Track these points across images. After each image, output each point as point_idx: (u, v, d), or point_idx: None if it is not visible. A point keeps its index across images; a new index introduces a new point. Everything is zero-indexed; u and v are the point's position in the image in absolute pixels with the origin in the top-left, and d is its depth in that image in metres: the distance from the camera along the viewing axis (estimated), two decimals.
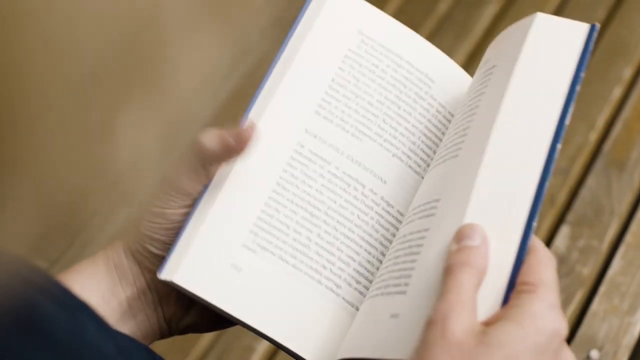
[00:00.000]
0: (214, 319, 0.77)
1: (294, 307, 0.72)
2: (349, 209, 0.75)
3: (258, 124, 0.74)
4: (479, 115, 0.71)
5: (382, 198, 0.75)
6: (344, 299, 0.73)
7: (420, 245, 0.67)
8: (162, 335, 0.77)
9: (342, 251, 0.74)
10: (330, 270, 0.73)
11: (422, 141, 0.77)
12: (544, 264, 0.63)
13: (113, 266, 0.75)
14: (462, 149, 0.70)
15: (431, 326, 0.59)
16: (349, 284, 0.73)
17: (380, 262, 0.74)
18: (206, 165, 0.73)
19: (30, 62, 0.31)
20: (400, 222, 0.75)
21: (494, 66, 0.73)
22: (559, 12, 1.60)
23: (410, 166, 0.77)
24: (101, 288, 0.74)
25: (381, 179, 0.76)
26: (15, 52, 0.31)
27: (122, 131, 0.35)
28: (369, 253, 0.74)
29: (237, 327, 1.34)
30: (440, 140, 0.78)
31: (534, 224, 0.65)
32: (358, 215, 0.75)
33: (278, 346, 0.72)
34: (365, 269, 0.74)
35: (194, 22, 0.34)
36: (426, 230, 0.68)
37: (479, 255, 0.63)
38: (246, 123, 0.72)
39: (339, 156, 0.76)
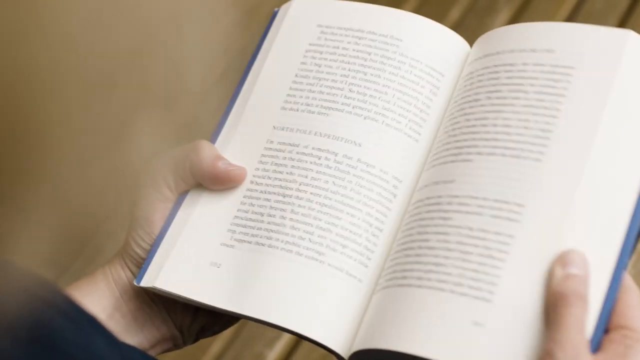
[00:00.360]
0: (223, 318, 0.77)
1: (279, 285, 0.72)
2: (322, 179, 0.75)
3: (230, 140, 0.77)
4: (567, 122, 0.68)
5: (358, 160, 0.75)
6: (329, 264, 0.72)
7: (505, 252, 0.65)
8: (177, 345, 0.77)
9: (320, 220, 0.73)
10: (309, 240, 0.73)
11: (398, 98, 0.77)
12: (638, 307, 0.63)
13: (112, 281, 0.75)
14: (545, 153, 0.68)
15: (545, 358, 0.59)
16: (334, 249, 0.73)
17: (369, 223, 0.73)
18: (191, 176, 0.74)
19: (48, 67, 0.31)
20: (385, 180, 0.74)
21: (571, 68, 0.71)
22: (570, 21, 1.60)
23: (387, 124, 0.76)
24: (102, 303, 0.74)
25: (354, 142, 0.76)
26: (33, 57, 0.31)
27: (138, 135, 0.35)
28: (352, 216, 0.73)
29: (247, 335, 1.34)
30: (421, 94, 0.77)
31: (628, 259, 0.64)
32: (333, 182, 0.74)
33: (280, 329, 0.72)
34: (350, 231, 0.73)
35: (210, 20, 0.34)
36: (510, 236, 0.65)
37: (585, 286, 0.62)
38: (238, 168, 0.75)
39: (306, 136, 0.77)
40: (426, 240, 0.69)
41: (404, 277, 0.68)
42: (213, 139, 0.78)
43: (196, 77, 0.36)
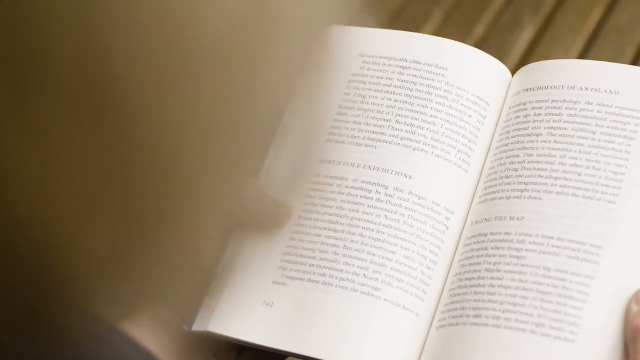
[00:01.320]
0: (268, 357, 0.77)
1: (335, 322, 0.71)
2: (374, 213, 0.74)
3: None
4: (638, 165, 0.70)
5: (410, 193, 0.75)
6: (386, 300, 0.72)
7: (585, 294, 0.66)
8: None
9: (374, 255, 0.73)
10: (364, 276, 0.72)
11: (447, 128, 0.77)
12: None
13: (157, 322, 0.75)
14: (619, 196, 0.69)
15: None
16: (390, 285, 0.72)
17: (423, 257, 0.73)
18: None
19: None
20: (437, 212, 0.74)
21: (639, 111, 0.73)
22: (596, 35, 1.59)
23: (437, 155, 0.76)
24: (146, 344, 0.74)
25: (405, 175, 0.75)
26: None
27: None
28: (407, 249, 0.73)
29: None
30: (469, 124, 0.77)
31: None
32: (386, 216, 0.74)
33: None
34: (405, 265, 0.73)
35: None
36: (590, 278, 0.67)
37: None
38: (284, 207, 0.75)
39: (355, 169, 0.76)
40: (499, 279, 0.69)
41: (478, 316, 0.68)
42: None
43: None
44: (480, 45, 1.59)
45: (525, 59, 1.57)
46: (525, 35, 1.61)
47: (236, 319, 0.72)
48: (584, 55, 1.57)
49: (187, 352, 0.75)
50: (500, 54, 1.70)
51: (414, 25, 1.64)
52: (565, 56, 1.56)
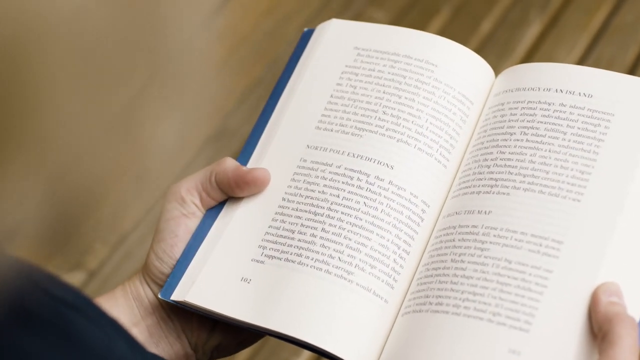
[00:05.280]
0: (239, 337, 0.79)
1: (305, 301, 0.73)
2: (353, 199, 0.76)
3: (264, 157, 0.79)
4: (605, 167, 0.72)
5: (390, 182, 0.76)
6: (358, 284, 0.73)
7: (543, 286, 0.68)
8: None
9: (349, 239, 0.74)
10: (339, 259, 0.74)
11: (431, 123, 0.78)
12: None
13: (131, 297, 0.77)
14: (584, 194, 0.71)
15: None
16: (362, 270, 0.74)
17: (397, 245, 0.75)
18: (217, 188, 0.76)
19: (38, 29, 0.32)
20: (414, 204, 0.76)
21: (610, 114, 0.74)
22: (601, 33, 1.60)
23: (420, 149, 0.77)
24: (121, 318, 0.75)
25: (387, 164, 0.77)
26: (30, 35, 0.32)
27: (143, 119, 0.35)
28: (382, 237, 0.75)
29: (275, 342, 1.34)
30: (452, 120, 0.79)
31: None
32: (365, 203, 0.75)
33: (302, 345, 0.73)
34: (379, 252, 0.74)
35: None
36: (549, 271, 0.69)
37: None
38: (261, 169, 0.77)
39: (340, 156, 0.78)
40: (462, 269, 0.71)
41: (439, 304, 0.71)
42: (244, 155, 0.80)
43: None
44: (487, 41, 1.61)
45: (530, 56, 1.58)
46: (532, 32, 1.62)
47: (214, 292, 0.74)
48: (587, 53, 1.58)
49: (159, 328, 0.77)
50: (505, 50, 1.71)
51: (422, 20, 1.66)
52: (568, 53, 1.57)
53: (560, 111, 0.75)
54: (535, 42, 1.61)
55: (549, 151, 0.74)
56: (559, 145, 0.74)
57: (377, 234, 0.75)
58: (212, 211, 0.78)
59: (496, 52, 1.57)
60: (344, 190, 0.76)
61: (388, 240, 0.75)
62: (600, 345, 0.65)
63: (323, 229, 0.75)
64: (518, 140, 0.75)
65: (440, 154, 0.78)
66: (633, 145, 0.72)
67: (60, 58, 0.33)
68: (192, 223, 0.77)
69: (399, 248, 0.75)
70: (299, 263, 0.74)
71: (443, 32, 1.59)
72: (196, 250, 0.76)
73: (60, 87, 0.34)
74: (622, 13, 1.61)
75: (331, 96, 0.81)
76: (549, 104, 0.76)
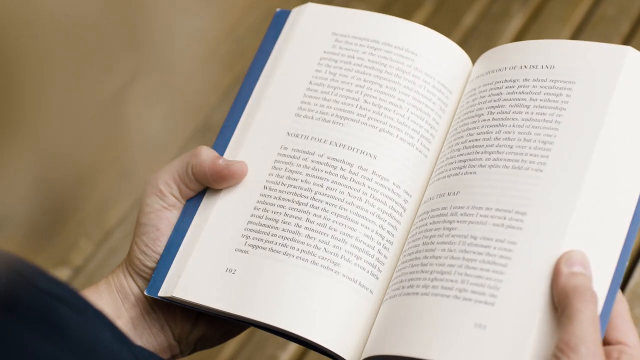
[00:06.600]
0: (223, 329, 0.79)
1: (293, 293, 0.73)
2: (337, 189, 0.76)
3: (242, 144, 0.78)
4: (567, 134, 0.72)
5: (373, 172, 0.76)
6: (344, 275, 0.73)
7: (507, 258, 0.68)
8: (174, 355, 0.79)
9: (335, 230, 0.75)
10: (325, 250, 0.74)
11: (412, 113, 0.78)
12: (630, 321, 0.65)
13: (115, 290, 0.77)
14: (546, 164, 0.71)
15: (567, 352, 0.61)
16: (348, 261, 0.74)
17: (381, 236, 0.75)
18: (195, 180, 0.76)
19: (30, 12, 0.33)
20: (397, 194, 0.76)
21: (571, 82, 0.74)
22: (583, 25, 1.61)
23: (402, 138, 0.78)
24: (105, 311, 0.75)
25: (370, 154, 0.77)
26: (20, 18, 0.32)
27: (128, 113, 0.36)
28: (367, 228, 0.75)
29: (260, 336, 1.35)
30: (432, 110, 0.79)
31: (624, 267, 0.67)
32: (348, 193, 0.76)
33: (288, 337, 0.73)
34: (364, 243, 0.75)
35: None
36: (513, 243, 0.69)
37: (592, 284, 0.65)
38: (238, 162, 0.77)
39: (322, 145, 0.78)
40: (431, 250, 0.72)
41: (411, 286, 0.71)
42: (220, 142, 0.79)
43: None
44: (469, 34, 1.61)
45: None
46: (514, 25, 1.63)
47: (200, 285, 0.75)
48: None
49: (143, 320, 0.77)
50: (488, 43, 1.72)
51: (405, 13, 1.66)
52: None
53: (524, 86, 0.76)
54: (518, 35, 1.62)
55: (513, 126, 0.74)
56: (522, 119, 0.74)
57: (362, 225, 0.75)
58: (193, 201, 0.78)
59: (479, 45, 1.57)
60: (328, 180, 0.76)
61: (372, 231, 0.75)
62: (560, 319, 0.64)
63: (308, 219, 0.75)
64: (485, 120, 0.76)
65: (421, 143, 0.78)
66: (594, 111, 0.72)
67: (46, 50, 0.34)
68: (173, 215, 0.77)
69: (382, 239, 0.75)
70: (285, 254, 0.74)
71: (426, 25, 1.59)
72: (179, 244, 0.76)
73: (46, 80, 0.34)
74: (604, 5, 1.62)
75: (310, 82, 0.80)
76: (514, 81, 0.76)
